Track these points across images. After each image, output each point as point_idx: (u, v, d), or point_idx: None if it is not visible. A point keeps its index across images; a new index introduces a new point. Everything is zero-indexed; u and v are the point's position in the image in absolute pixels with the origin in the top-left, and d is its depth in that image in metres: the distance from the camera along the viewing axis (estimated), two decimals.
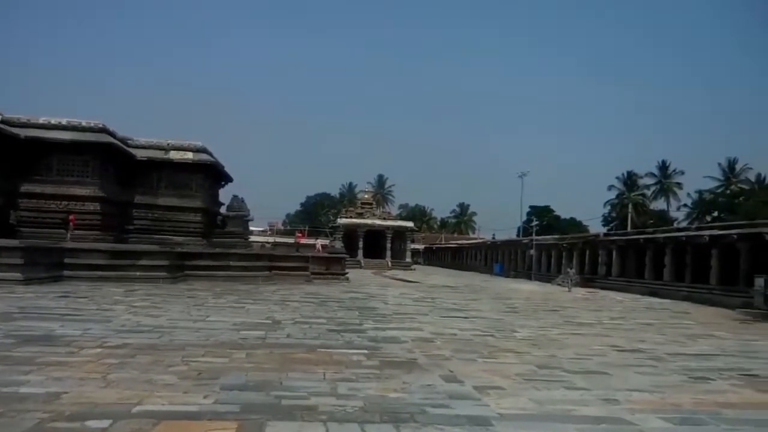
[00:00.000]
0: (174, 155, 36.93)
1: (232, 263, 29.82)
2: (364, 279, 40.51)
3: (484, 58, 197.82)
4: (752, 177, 69.31)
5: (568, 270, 41.99)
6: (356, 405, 7.18)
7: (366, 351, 11.32)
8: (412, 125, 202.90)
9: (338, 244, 58.49)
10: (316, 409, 6.91)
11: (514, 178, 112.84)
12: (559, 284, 46.22)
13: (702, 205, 71.09)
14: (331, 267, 35.47)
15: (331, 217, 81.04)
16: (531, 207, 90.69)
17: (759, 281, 26.38)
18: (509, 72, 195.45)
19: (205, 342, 11.34)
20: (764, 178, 66.61)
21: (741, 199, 65.61)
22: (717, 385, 9.69)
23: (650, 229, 47.73)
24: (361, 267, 59.32)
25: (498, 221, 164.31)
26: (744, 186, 69.44)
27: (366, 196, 76.44)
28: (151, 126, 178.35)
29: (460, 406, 7.42)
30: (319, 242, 59.36)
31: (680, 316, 24.22)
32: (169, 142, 37.57)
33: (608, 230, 70.79)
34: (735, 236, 31.16)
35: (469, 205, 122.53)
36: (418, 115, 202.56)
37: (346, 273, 36.63)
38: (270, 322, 15.11)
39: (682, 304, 30.46)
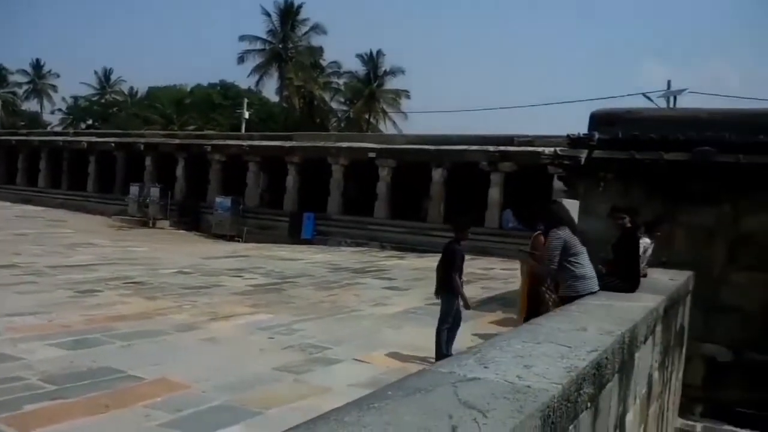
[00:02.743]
0: None
1: None
2: None
3: None
4: (125, 89, 71.97)
5: None
6: None
7: None
8: None
9: None
10: None
11: None
12: None
13: (77, 112, 70.12)
14: None
15: None
16: None
17: (134, 189, 27.74)
18: None
19: None
20: (136, 92, 69.99)
21: (115, 109, 67.57)
22: (106, 297, 9.41)
23: (24, 131, 44.18)
24: None
25: None
26: (118, 97, 71.43)
27: None
28: None
29: None
30: None
31: (58, 225, 23.36)
32: None
33: None
34: (113, 144, 31.66)
35: None
36: None
37: None
38: None
39: (58, 211, 29.32)
